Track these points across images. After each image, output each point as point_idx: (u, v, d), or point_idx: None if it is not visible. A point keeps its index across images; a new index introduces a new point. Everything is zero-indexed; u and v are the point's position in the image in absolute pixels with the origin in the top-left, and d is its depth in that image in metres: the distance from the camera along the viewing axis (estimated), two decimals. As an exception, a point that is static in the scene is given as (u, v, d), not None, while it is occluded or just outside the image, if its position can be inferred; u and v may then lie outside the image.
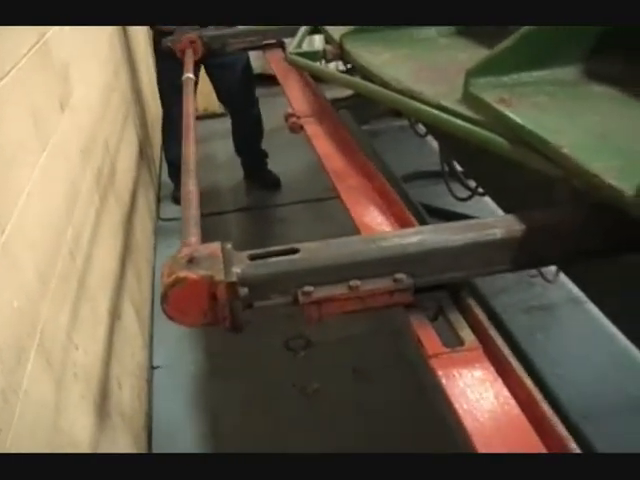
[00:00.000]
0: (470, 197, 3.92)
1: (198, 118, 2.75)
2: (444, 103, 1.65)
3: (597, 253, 1.41)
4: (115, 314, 2.72)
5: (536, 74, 1.70)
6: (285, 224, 4.76)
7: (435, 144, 4.32)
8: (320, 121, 2.43)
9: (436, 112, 1.66)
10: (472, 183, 3.91)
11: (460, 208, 4.01)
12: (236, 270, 1.24)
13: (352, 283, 1.27)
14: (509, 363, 1.20)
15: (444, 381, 1.19)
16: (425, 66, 2.07)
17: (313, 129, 2.38)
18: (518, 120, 1.44)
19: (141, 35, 5.83)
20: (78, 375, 2.01)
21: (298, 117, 2.45)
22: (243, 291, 1.23)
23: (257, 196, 5.19)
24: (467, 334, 1.28)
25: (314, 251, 1.29)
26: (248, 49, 4.13)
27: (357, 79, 2.11)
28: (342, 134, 2.28)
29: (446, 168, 4.15)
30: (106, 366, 2.40)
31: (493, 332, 1.27)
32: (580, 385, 2.95)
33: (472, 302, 1.35)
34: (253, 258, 1.28)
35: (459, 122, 1.57)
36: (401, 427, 2.91)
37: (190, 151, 1.85)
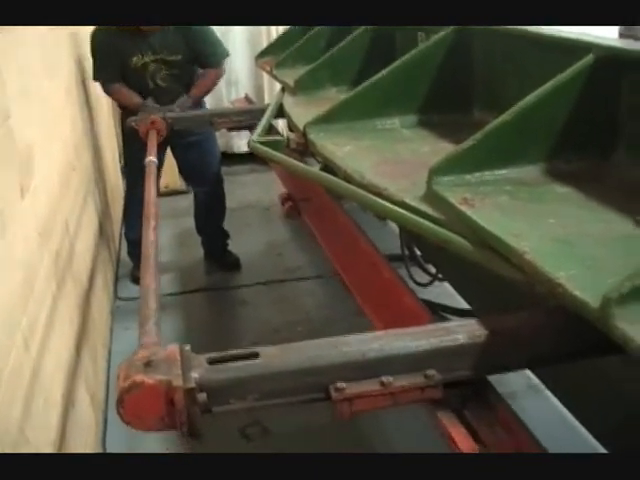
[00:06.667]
0: (430, 282, 3.94)
1: (160, 195, 2.73)
2: (408, 201, 1.66)
3: (563, 357, 1.40)
4: (69, 401, 2.64)
5: (498, 172, 1.72)
6: (245, 306, 4.68)
7: (395, 227, 4.33)
8: (317, 205, 2.36)
9: (400, 210, 1.66)
10: (432, 268, 3.93)
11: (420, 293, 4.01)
12: (194, 375, 1.21)
13: (384, 379, 1.26)
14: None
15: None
16: (388, 159, 2.09)
17: (311, 214, 2.31)
18: (481, 222, 1.45)
19: (106, 111, 5.83)
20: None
21: (294, 201, 2.38)
22: (201, 397, 1.20)
23: (217, 276, 5.11)
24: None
25: (274, 356, 1.27)
26: (235, 129, 4.12)
27: (320, 173, 2.11)
28: (341, 219, 2.23)
29: (406, 252, 4.17)
30: (57, 457, 2.31)
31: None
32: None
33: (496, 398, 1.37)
34: (212, 362, 1.25)
35: (423, 221, 1.58)
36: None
37: (150, 244, 1.81)
